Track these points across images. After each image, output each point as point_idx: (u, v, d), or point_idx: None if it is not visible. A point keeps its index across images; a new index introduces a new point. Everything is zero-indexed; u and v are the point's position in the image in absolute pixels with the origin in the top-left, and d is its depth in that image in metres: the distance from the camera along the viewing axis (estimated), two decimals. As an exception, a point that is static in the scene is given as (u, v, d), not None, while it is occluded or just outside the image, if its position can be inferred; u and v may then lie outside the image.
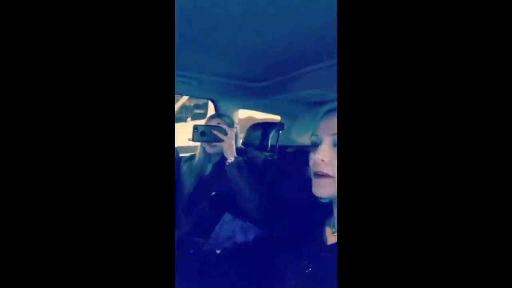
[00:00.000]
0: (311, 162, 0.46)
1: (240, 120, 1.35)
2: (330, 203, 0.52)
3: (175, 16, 0.31)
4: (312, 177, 0.46)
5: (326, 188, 0.43)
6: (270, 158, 1.07)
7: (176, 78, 0.94)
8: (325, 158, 0.43)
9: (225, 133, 0.83)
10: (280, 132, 1.15)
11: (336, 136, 0.44)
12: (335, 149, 0.44)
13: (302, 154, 0.58)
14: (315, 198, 0.54)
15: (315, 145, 0.47)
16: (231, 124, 0.92)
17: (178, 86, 0.99)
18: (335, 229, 0.48)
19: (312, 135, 0.48)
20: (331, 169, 0.43)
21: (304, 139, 1.16)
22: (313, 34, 0.61)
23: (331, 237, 0.48)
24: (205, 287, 0.61)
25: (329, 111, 0.49)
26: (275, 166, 1.02)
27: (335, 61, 0.76)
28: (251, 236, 0.77)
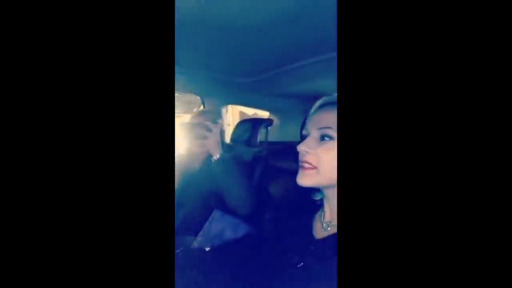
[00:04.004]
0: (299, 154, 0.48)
1: (227, 116, 1.34)
2: (320, 199, 0.53)
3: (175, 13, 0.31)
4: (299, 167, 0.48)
5: (309, 178, 0.46)
6: (258, 154, 1.07)
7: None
8: (308, 150, 0.45)
9: (210, 130, 0.82)
10: (269, 128, 1.15)
11: (325, 130, 0.46)
12: (323, 142, 0.46)
13: (292, 150, 0.58)
14: (307, 195, 0.55)
15: (304, 138, 0.49)
16: (215, 120, 0.90)
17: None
18: (326, 224, 0.49)
19: (303, 129, 0.50)
20: (315, 160, 0.45)
21: (294, 135, 1.17)
22: (305, 28, 0.60)
23: (321, 232, 0.49)
24: (197, 284, 0.60)
25: (321, 105, 0.50)
26: (264, 162, 1.02)
27: (326, 56, 0.76)
28: (241, 233, 0.77)
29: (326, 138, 0.45)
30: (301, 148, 0.46)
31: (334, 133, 0.45)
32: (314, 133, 0.47)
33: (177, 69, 0.91)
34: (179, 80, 0.99)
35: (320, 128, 0.46)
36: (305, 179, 0.46)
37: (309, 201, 0.55)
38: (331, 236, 0.46)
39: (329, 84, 0.92)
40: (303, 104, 1.21)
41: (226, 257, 0.68)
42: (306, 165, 0.46)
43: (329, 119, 0.46)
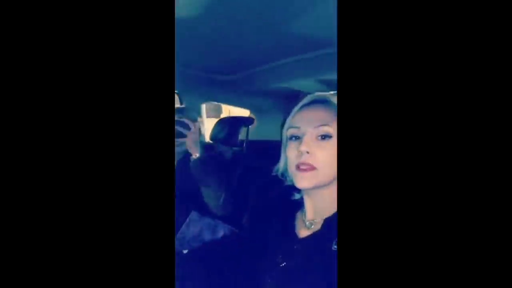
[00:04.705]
0: (291, 155, 0.46)
1: (206, 114, 1.31)
2: (301, 198, 0.52)
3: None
4: (293, 170, 0.45)
5: (310, 180, 0.44)
6: (238, 153, 1.05)
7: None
8: (309, 149, 0.43)
9: (189, 128, 0.79)
10: (250, 126, 1.14)
11: (323, 128, 0.44)
12: (323, 141, 0.44)
13: (271, 148, 0.57)
14: (288, 193, 0.54)
15: (295, 138, 0.47)
16: (194, 119, 0.88)
17: None
18: (308, 223, 0.48)
19: (290, 127, 0.48)
20: (314, 160, 0.43)
21: (274, 134, 1.16)
22: (288, 26, 0.60)
23: (303, 231, 0.48)
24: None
25: (309, 103, 0.48)
26: (243, 162, 1.01)
27: (306, 55, 0.76)
28: (219, 234, 0.75)
29: (326, 137, 0.44)
30: (302, 148, 0.43)
31: (331, 130, 0.43)
32: (310, 131, 0.44)
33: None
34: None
35: (318, 126, 0.44)
36: (306, 182, 0.44)
37: (288, 200, 0.55)
38: (315, 234, 0.46)
39: (308, 83, 0.93)
40: (282, 103, 1.21)
41: (205, 259, 0.66)
42: (306, 166, 0.43)
43: (322, 116, 0.45)
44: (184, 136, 0.79)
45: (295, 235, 0.49)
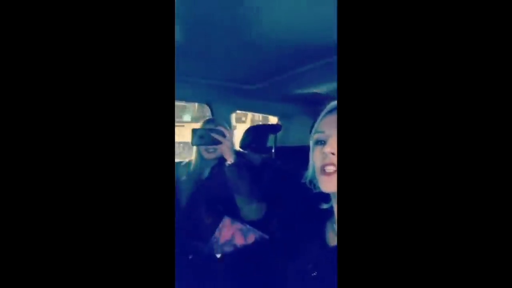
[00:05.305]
0: (317, 159, 0.46)
1: (236, 122, 1.35)
2: (331, 207, 0.52)
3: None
4: (319, 173, 0.45)
5: (335, 183, 0.43)
6: (267, 160, 1.07)
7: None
8: (334, 151, 0.43)
9: (224, 135, 0.83)
10: (278, 133, 1.15)
11: None
12: None
13: (299, 154, 0.57)
14: (317, 201, 0.54)
15: (320, 142, 0.47)
16: (226, 127, 0.92)
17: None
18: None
19: (315, 132, 0.48)
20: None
21: (302, 139, 1.16)
22: (309, 33, 0.61)
23: (334, 239, 0.48)
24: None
25: (335, 108, 0.48)
26: (273, 168, 1.02)
27: (331, 59, 0.76)
28: (251, 239, 0.76)
29: None
30: (326, 150, 0.43)
31: None
32: (335, 134, 0.44)
33: (184, 78, 0.94)
34: (187, 90, 1.01)
35: None
36: (332, 185, 0.43)
37: (318, 207, 0.54)
38: None
39: (334, 87, 0.92)
40: (307, 109, 1.20)
41: (237, 263, 0.68)
42: (332, 168, 0.43)
43: None
44: (219, 143, 0.82)
45: (325, 242, 0.49)
